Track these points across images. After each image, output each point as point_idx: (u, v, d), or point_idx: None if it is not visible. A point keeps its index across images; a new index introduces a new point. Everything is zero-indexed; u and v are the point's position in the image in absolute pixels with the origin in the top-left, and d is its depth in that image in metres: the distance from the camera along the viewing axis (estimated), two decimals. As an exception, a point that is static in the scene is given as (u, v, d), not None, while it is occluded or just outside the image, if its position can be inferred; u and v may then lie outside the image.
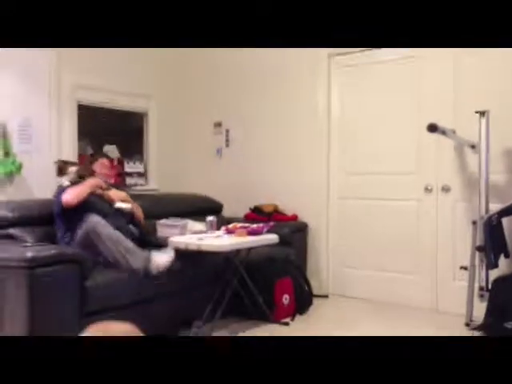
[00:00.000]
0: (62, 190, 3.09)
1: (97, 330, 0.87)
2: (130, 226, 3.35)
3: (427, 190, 3.76)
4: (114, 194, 3.38)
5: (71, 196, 2.99)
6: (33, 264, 2.40)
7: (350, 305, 3.97)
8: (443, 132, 3.38)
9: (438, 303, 3.73)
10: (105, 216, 3.06)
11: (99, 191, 3.24)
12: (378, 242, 4.01)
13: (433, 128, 3.32)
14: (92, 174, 3.34)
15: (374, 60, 3.99)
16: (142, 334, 0.89)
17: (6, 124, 3.56)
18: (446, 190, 3.69)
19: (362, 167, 4.09)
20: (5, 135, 3.55)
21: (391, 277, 3.95)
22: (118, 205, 3.30)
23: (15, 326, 2.43)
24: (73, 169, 3.28)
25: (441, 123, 3.39)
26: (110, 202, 3.30)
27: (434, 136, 3.54)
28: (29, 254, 2.41)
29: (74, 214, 2.98)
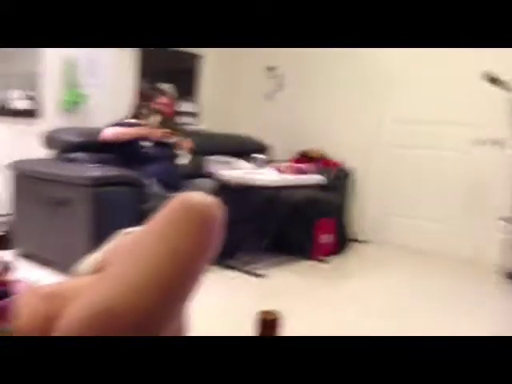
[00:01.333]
0: (119, 123, 3.26)
1: (180, 198, 0.96)
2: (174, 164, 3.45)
3: (478, 141, 3.73)
4: (185, 144, 3.42)
5: (110, 134, 3.15)
6: (98, 182, 2.63)
7: (389, 251, 4.07)
8: (502, 84, 3.32)
9: (478, 254, 3.77)
10: (157, 161, 3.23)
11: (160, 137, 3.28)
12: (423, 192, 4.05)
13: (493, 80, 3.26)
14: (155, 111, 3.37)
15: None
16: (220, 212, 0.96)
17: (76, 58, 3.76)
18: (497, 142, 3.65)
19: (414, 116, 4.07)
20: (74, 67, 3.76)
21: (434, 226, 4.01)
22: (182, 161, 3.39)
23: (80, 241, 2.69)
24: (157, 118, 3.29)
25: (500, 75, 3.31)
26: (175, 148, 3.37)
27: (491, 87, 3.46)
28: (95, 174, 2.64)
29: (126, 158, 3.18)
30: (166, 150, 3.37)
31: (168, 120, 3.34)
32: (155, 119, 3.29)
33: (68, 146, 3.27)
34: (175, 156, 3.43)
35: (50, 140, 3.36)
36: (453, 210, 3.90)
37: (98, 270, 1.22)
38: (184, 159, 3.42)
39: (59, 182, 2.77)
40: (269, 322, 0.71)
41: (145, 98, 3.56)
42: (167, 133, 3.29)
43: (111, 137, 3.17)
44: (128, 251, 1.02)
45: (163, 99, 3.49)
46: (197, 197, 0.94)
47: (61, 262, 2.80)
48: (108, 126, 3.26)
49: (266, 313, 0.72)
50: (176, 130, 3.36)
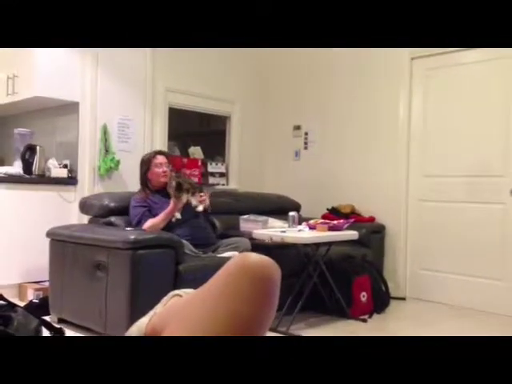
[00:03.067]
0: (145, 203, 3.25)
1: (237, 259, 0.95)
2: (203, 222, 3.43)
3: (513, 192, 3.66)
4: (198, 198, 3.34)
5: (149, 229, 3.07)
6: (135, 246, 2.64)
7: (428, 307, 3.92)
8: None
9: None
10: (185, 224, 3.23)
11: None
12: (458, 246, 3.94)
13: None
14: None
15: (457, 62, 3.96)
16: (278, 273, 0.95)
17: (107, 125, 3.92)
18: (534, 192, 3.58)
19: (445, 169, 4.04)
20: (106, 135, 3.91)
21: (471, 281, 3.86)
22: (198, 209, 3.32)
23: (118, 304, 2.68)
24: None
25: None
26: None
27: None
28: (132, 236, 2.66)
29: None
30: (191, 210, 3.33)
31: (186, 182, 3.21)
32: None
33: (103, 211, 3.33)
34: (200, 216, 3.39)
35: (86, 205, 3.43)
36: (494, 264, 3.76)
37: (148, 333, 1.18)
38: (199, 207, 3.31)
39: (97, 246, 2.80)
40: None
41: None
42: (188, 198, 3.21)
43: (151, 231, 3.08)
44: (185, 313, 0.99)
45: (158, 160, 3.39)
46: (254, 257, 0.91)
47: (99, 326, 2.79)
48: (137, 215, 3.20)
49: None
50: (194, 188, 3.30)
